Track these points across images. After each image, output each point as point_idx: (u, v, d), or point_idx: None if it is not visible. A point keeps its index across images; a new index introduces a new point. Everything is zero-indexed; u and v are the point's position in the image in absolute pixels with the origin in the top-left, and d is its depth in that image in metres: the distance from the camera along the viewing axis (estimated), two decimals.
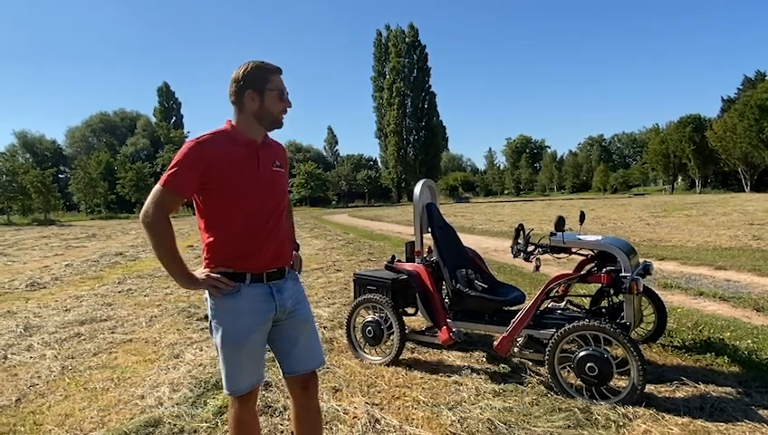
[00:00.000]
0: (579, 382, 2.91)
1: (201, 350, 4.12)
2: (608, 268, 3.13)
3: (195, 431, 2.70)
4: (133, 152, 66.92)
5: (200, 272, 1.84)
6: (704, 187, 57.55)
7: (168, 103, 70.13)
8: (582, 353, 2.86)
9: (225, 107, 1.99)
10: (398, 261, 4.01)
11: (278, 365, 2.02)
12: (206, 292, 1.87)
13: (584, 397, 2.85)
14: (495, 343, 3.28)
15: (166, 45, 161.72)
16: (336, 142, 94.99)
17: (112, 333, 4.86)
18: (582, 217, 3.67)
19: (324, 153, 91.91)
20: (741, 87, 58.51)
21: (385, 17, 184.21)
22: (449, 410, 2.83)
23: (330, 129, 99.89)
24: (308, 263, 9.32)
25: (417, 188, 3.94)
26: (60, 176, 57.28)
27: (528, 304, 3.28)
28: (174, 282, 1.85)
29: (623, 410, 2.68)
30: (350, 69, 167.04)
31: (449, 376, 3.35)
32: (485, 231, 15.22)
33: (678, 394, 2.94)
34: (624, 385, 2.85)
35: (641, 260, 3.48)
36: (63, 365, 3.90)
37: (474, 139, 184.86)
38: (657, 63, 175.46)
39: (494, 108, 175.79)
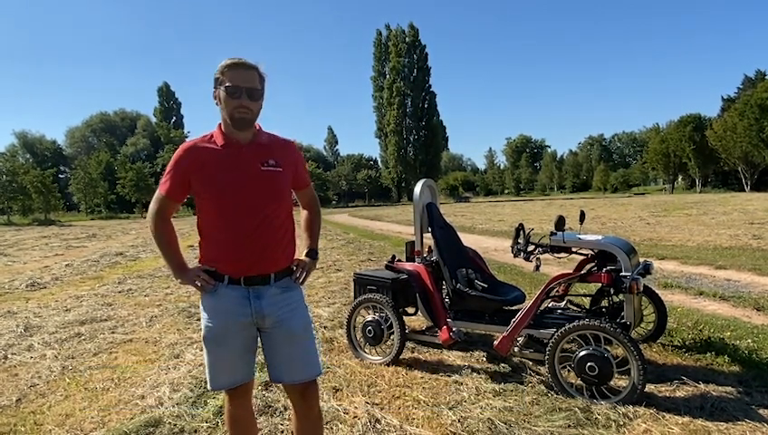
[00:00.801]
0: (579, 382, 2.91)
1: (201, 350, 4.11)
2: (608, 268, 3.13)
3: (195, 431, 2.70)
4: (133, 152, 66.90)
5: (194, 267, 1.92)
6: (704, 186, 57.56)
7: (169, 103, 70.14)
8: (583, 353, 2.86)
9: None
10: (399, 261, 4.01)
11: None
12: None
13: (584, 396, 2.85)
14: (496, 342, 3.28)
15: (166, 45, 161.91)
16: (336, 142, 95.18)
17: (113, 333, 4.86)
18: (582, 216, 3.67)
19: (324, 153, 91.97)
20: (741, 86, 58.55)
21: (385, 17, 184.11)
22: (450, 409, 2.83)
23: (330, 128, 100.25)
24: None
25: (418, 188, 3.94)
26: (60, 176, 57.22)
27: (528, 303, 3.28)
28: (174, 281, 1.89)
29: (623, 409, 2.68)
30: (350, 69, 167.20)
31: (449, 376, 3.35)
32: (486, 231, 15.22)
33: (679, 394, 2.94)
34: (624, 385, 2.85)
35: (641, 260, 3.48)
36: (64, 365, 3.90)
37: (474, 138, 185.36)
38: (657, 63, 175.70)
39: (494, 108, 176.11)
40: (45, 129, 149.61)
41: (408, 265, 3.88)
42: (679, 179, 63.73)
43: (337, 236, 15.22)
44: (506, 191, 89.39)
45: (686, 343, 3.79)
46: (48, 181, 41.53)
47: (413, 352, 3.88)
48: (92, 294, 6.93)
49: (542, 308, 3.32)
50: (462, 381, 3.25)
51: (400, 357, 3.65)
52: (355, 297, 4.00)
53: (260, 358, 2.04)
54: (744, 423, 2.55)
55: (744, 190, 48.18)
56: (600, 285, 3.19)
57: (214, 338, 1.87)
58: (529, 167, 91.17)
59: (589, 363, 2.82)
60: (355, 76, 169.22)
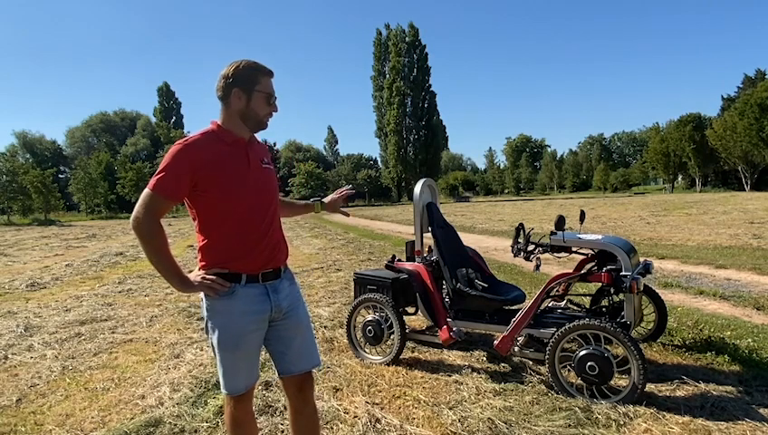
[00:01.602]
0: (579, 382, 2.91)
1: (201, 350, 4.12)
2: (608, 267, 3.13)
3: (195, 431, 2.70)
4: (133, 152, 66.86)
5: (195, 274, 1.82)
6: (704, 185, 57.53)
7: (168, 103, 70.08)
8: (583, 353, 2.86)
9: None
10: (399, 260, 4.01)
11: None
12: (202, 292, 1.85)
13: (585, 396, 2.85)
14: (496, 342, 3.28)
15: (166, 45, 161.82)
16: (336, 142, 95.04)
17: (113, 333, 4.86)
18: (582, 216, 3.67)
19: (324, 153, 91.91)
20: (741, 86, 58.54)
21: (385, 17, 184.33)
22: (450, 409, 2.83)
23: (330, 128, 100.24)
24: (308, 262, 9.33)
25: (418, 188, 3.94)
26: (60, 176, 57.26)
27: (528, 303, 3.28)
28: None
29: (624, 409, 2.68)
30: (350, 69, 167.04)
31: (450, 375, 3.35)
32: (486, 230, 15.22)
33: (679, 393, 2.94)
34: (625, 384, 2.85)
35: (641, 259, 3.49)
36: (64, 365, 3.90)
37: (474, 138, 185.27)
38: (657, 62, 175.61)
39: (494, 107, 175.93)
40: (45, 129, 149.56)
41: (409, 265, 3.88)
42: (679, 179, 63.69)
43: (337, 235, 15.22)
44: (506, 191, 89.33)
45: (687, 342, 3.79)
46: (48, 181, 41.48)
47: (413, 352, 3.88)
48: (92, 294, 6.94)
49: (542, 308, 3.32)
50: (462, 380, 3.25)
51: (400, 357, 3.65)
52: (355, 297, 4.00)
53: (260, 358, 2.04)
54: (744, 423, 2.55)
55: (744, 190, 48.17)
56: (601, 284, 3.19)
57: (231, 341, 1.82)
58: (529, 166, 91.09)
59: (589, 363, 2.82)
60: (355, 76, 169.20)
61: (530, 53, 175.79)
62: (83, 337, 4.72)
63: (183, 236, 17.08)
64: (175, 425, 2.75)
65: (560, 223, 3.32)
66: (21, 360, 4.11)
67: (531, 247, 3.50)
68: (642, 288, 3.12)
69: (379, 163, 76.45)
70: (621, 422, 2.57)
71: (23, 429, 2.87)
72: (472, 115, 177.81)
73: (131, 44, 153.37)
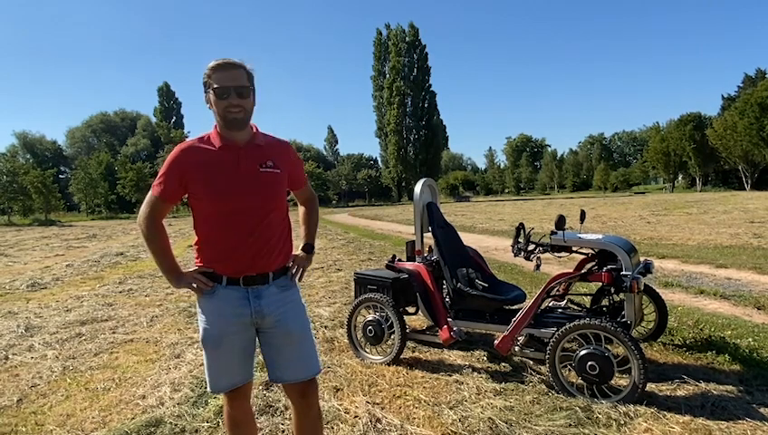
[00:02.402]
0: (580, 381, 2.91)
1: (202, 349, 4.12)
2: (608, 267, 3.13)
3: (196, 431, 2.70)
4: (133, 152, 66.91)
5: (187, 271, 1.90)
6: (704, 185, 57.49)
7: (169, 103, 70.05)
8: (583, 352, 2.86)
9: None
10: (399, 260, 4.01)
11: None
12: None
13: (585, 396, 2.85)
14: (496, 341, 3.28)
15: (166, 45, 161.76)
16: (336, 142, 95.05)
17: (113, 333, 4.87)
18: (583, 215, 3.67)
19: (324, 152, 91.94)
20: (741, 85, 58.47)
21: (385, 17, 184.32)
22: (450, 409, 2.83)
23: (330, 128, 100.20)
24: None
25: (418, 188, 3.94)
26: (60, 176, 57.23)
27: (529, 302, 3.28)
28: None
29: (624, 408, 2.68)
30: (350, 68, 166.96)
31: (450, 375, 3.35)
32: (486, 230, 15.21)
33: (679, 393, 2.94)
34: (625, 384, 2.85)
35: (642, 259, 3.48)
36: (65, 365, 3.90)
37: (474, 138, 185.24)
38: (657, 62, 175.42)
39: (494, 107, 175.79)
40: (45, 129, 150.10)
41: (409, 265, 3.88)
42: (680, 178, 63.64)
43: (337, 235, 15.23)
44: (506, 190, 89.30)
45: (687, 341, 3.79)
46: (48, 181, 41.47)
47: (413, 352, 3.88)
48: (93, 294, 6.94)
49: (542, 307, 3.32)
50: (463, 380, 3.25)
51: (401, 357, 3.65)
52: (356, 297, 4.00)
53: (260, 358, 2.04)
54: (744, 422, 2.55)
55: (745, 189, 48.14)
56: (601, 284, 3.19)
57: (212, 340, 1.86)
58: (529, 166, 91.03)
59: (589, 362, 2.82)
60: (355, 76, 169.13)
61: (530, 53, 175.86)
62: (84, 337, 4.72)
63: (183, 236, 17.08)
64: (175, 425, 2.75)
65: (560, 222, 3.32)
66: (21, 360, 4.11)
67: (531, 247, 3.50)
68: (642, 288, 3.12)
69: (380, 163, 76.51)
70: (622, 422, 2.57)
71: (23, 429, 2.87)
72: (472, 115, 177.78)
73: (131, 44, 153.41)
